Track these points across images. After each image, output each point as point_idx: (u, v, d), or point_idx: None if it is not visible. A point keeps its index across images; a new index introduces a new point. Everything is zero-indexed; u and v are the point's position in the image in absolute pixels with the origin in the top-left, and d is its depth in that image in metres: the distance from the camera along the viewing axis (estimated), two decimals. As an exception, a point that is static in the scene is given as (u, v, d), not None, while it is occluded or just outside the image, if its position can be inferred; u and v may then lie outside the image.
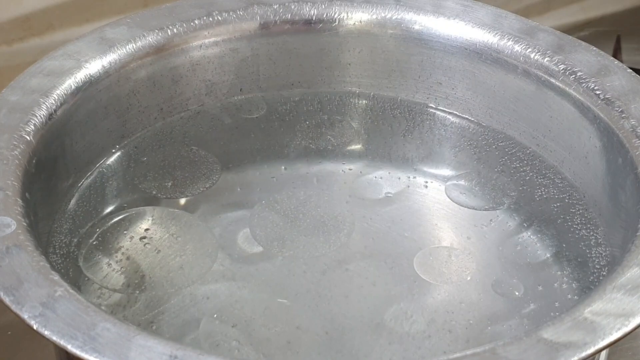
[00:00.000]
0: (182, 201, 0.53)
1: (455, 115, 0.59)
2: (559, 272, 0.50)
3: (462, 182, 0.55)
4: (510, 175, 0.55)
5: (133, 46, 0.54)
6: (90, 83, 0.52)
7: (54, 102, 0.50)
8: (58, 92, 0.51)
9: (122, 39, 0.54)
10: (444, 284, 0.49)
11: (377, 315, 0.47)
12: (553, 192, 0.54)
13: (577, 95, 0.53)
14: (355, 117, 0.60)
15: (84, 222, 0.51)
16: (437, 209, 0.54)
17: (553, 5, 0.85)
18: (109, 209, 0.52)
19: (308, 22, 0.59)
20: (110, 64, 0.53)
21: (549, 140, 0.55)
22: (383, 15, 0.59)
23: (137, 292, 0.47)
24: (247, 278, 0.49)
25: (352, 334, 0.46)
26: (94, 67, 0.53)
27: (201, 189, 0.54)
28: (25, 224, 0.43)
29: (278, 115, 0.59)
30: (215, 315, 0.47)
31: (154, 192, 0.53)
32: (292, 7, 0.59)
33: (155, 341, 0.37)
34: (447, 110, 0.59)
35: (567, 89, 0.53)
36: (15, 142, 0.47)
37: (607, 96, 0.51)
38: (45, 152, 0.49)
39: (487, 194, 0.54)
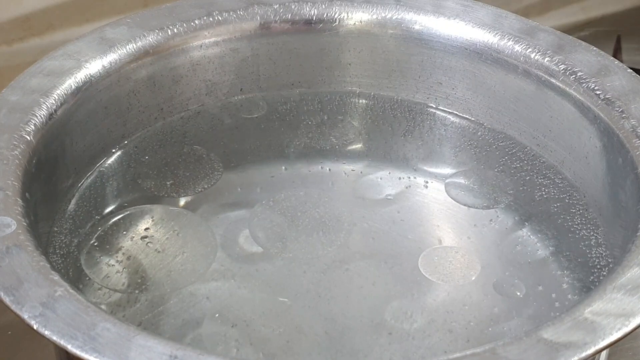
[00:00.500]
0: (182, 201, 0.53)
1: (456, 115, 0.59)
2: (559, 272, 0.50)
3: (462, 181, 0.55)
4: (511, 175, 0.55)
5: (133, 46, 0.54)
6: (91, 83, 0.52)
7: (54, 102, 0.50)
8: (58, 92, 0.51)
9: (122, 39, 0.54)
10: (448, 284, 0.49)
11: (377, 315, 0.47)
12: (553, 192, 0.54)
13: (578, 95, 0.53)
14: (356, 117, 0.60)
15: (84, 222, 0.51)
16: (438, 209, 0.54)
17: (553, 5, 0.85)
18: (109, 208, 0.52)
19: (308, 22, 0.59)
20: (111, 64, 0.53)
21: (549, 140, 0.55)
22: (383, 15, 0.59)
23: (137, 291, 0.47)
24: (247, 278, 0.49)
25: (352, 334, 0.46)
26: (94, 67, 0.53)
27: (202, 189, 0.54)
28: (25, 224, 0.43)
29: (278, 115, 0.59)
30: (215, 315, 0.47)
31: (155, 192, 0.53)
32: (292, 7, 0.59)
33: (155, 341, 0.37)
34: (447, 110, 0.59)
35: (567, 89, 0.53)
36: (15, 142, 0.47)
37: (607, 96, 0.51)
38: (46, 152, 0.49)
39: (486, 193, 0.54)
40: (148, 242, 0.50)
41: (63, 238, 0.49)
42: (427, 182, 0.55)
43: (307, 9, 0.59)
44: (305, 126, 0.59)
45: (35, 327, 0.38)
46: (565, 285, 0.49)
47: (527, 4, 0.84)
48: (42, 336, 0.37)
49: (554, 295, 0.48)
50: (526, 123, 0.56)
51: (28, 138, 0.47)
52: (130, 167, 0.55)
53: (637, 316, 0.39)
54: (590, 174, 0.53)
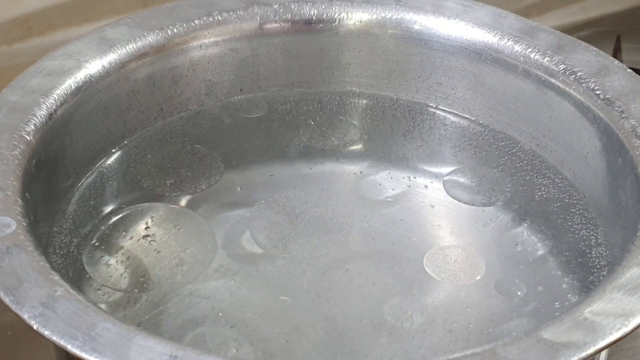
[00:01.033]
0: (183, 200, 0.53)
1: (455, 115, 0.59)
2: (559, 272, 0.50)
3: (460, 179, 0.55)
4: (510, 175, 0.55)
5: (133, 46, 0.54)
6: (91, 83, 0.52)
7: (54, 102, 0.50)
8: (58, 92, 0.51)
9: (122, 39, 0.54)
10: (453, 284, 0.49)
11: (377, 315, 0.47)
12: (553, 192, 0.54)
13: (577, 95, 0.53)
14: (356, 117, 0.60)
15: (84, 222, 0.51)
16: (438, 209, 0.54)
17: (553, 5, 0.85)
18: (110, 208, 0.52)
19: (308, 22, 0.59)
20: (111, 64, 0.53)
21: (549, 140, 0.55)
22: (383, 15, 0.59)
23: (137, 290, 0.47)
24: (247, 278, 0.49)
25: (352, 334, 0.46)
26: (94, 67, 0.53)
27: (202, 188, 0.54)
28: (25, 224, 0.43)
29: (278, 115, 0.59)
30: (215, 315, 0.47)
31: (155, 191, 0.53)
32: (292, 7, 0.59)
33: (155, 341, 0.37)
34: (447, 110, 0.59)
35: (567, 89, 0.53)
36: (15, 142, 0.47)
37: (607, 96, 0.51)
38: (45, 152, 0.49)
39: (486, 191, 0.54)
40: (150, 241, 0.50)
41: (63, 238, 0.49)
42: (427, 182, 0.55)
43: (307, 9, 0.59)
44: (305, 126, 0.59)
45: (35, 327, 0.38)
46: (565, 285, 0.49)
47: (527, 4, 0.84)
48: (42, 336, 0.37)
49: (553, 295, 0.48)
50: (526, 123, 0.56)
51: (28, 138, 0.47)
52: (130, 167, 0.55)
53: (637, 316, 0.39)
54: (590, 173, 0.53)
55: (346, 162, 0.56)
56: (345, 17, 0.59)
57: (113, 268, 0.49)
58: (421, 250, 0.51)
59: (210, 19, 0.57)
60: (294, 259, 0.50)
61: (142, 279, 0.48)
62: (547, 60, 0.54)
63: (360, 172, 0.56)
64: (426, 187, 0.55)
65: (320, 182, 0.55)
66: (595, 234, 0.51)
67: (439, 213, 0.54)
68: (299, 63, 0.60)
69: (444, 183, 0.55)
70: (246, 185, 0.55)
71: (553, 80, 0.54)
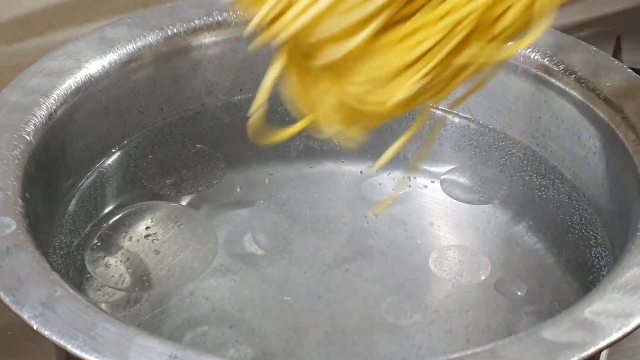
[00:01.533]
0: (183, 200, 0.53)
1: (455, 115, 0.59)
2: (559, 272, 0.50)
3: (458, 178, 0.55)
4: (510, 175, 0.55)
5: (133, 46, 0.54)
6: (91, 83, 0.52)
7: (54, 102, 0.50)
8: (58, 92, 0.50)
9: (122, 39, 0.54)
10: (457, 283, 0.49)
11: (377, 315, 0.47)
12: (553, 192, 0.54)
13: (577, 95, 0.53)
14: (356, 117, 0.60)
15: (84, 222, 0.51)
16: (438, 209, 0.54)
17: (553, 5, 0.85)
18: (110, 208, 0.52)
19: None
20: (111, 64, 0.53)
21: (548, 140, 0.55)
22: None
23: (138, 290, 0.48)
24: (247, 278, 0.49)
25: (352, 334, 0.46)
26: (94, 67, 0.53)
27: (202, 188, 0.54)
28: (25, 224, 0.43)
29: (278, 115, 0.59)
30: (215, 315, 0.47)
31: (155, 191, 0.53)
32: (292, 7, 0.59)
33: (155, 341, 0.37)
34: (447, 110, 0.59)
35: (567, 89, 0.53)
36: (15, 142, 0.47)
37: (607, 96, 0.51)
38: (46, 152, 0.49)
39: (485, 190, 0.54)
40: (150, 241, 0.50)
41: (63, 238, 0.49)
42: (426, 182, 0.55)
43: (307, 9, 0.59)
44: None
45: (35, 327, 0.38)
46: (565, 285, 0.49)
47: (527, 4, 0.84)
48: (42, 336, 0.37)
49: (554, 295, 0.48)
50: (526, 123, 0.56)
51: (28, 138, 0.47)
52: (130, 167, 0.55)
53: (637, 316, 0.39)
54: (590, 174, 0.52)
55: (346, 162, 0.56)
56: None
57: (113, 268, 0.49)
58: (421, 250, 0.51)
59: (210, 19, 0.57)
60: (294, 259, 0.50)
61: (142, 279, 0.48)
62: (547, 60, 0.54)
63: (361, 172, 0.56)
64: (426, 187, 0.55)
65: (320, 182, 0.55)
66: (594, 234, 0.51)
67: (439, 213, 0.53)
68: (299, 63, 0.60)
69: (442, 182, 0.55)
70: (246, 185, 0.55)
71: (553, 80, 0.54)
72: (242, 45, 0.58)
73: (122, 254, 0.49)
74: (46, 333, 0.37)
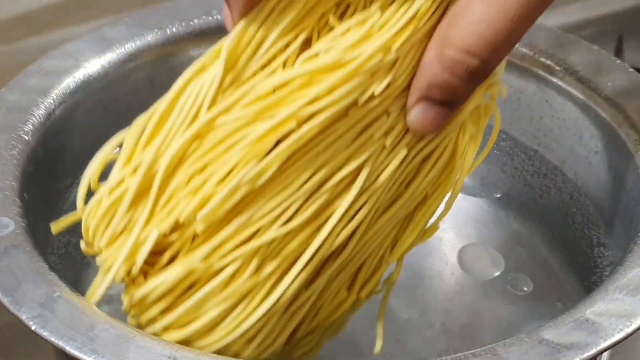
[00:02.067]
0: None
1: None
2: (560, 272, 0.50)
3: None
4: (511, 175, 0.55)
5: (132, 45, 0.54)
6: (89, 82, 0.52)
7: (52, 101, 0.50)
8: (57, 91, 0.50)
9: (121, 38, 0.54)
10: (477, 280, 0.49)
11: (376, 312, 0.47)
12: (555, 191, 0.54)
13: (579, 95, 0.52)
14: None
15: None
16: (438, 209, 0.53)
17: (554, 4, 0.85)
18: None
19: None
20: (109, 64, 0.53)
21: (550, 140, 0.55)
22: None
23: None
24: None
25: (351, 332, 0.46)
26: (92, 66, 0.53)
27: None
28: (23, 224, 0.43)
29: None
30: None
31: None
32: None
33: (154, 342, 0.37)
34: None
35: (568, 88, 0.53)
36: (13, 142, 0.47)
37: (608, 96, 0.51)
38: (44, 152, 0.49)
39: (486, 190, 0.54)
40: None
41: (61, 238, 0.49)
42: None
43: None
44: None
45: (33, 328, 0.37)
46: (566, 285, 0.49)
47: (527, 4, 0.84)
48: (41, 337, 0.37)
49: (555, 295, 0.48)
50: (527, 123, 0.56)
51: (26, 138, 0.47)
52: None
53: (639, 317, 0.39)
54: (592, 173, 0.52)
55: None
56: (346, 16, 0.59)
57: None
58: (421, 250, 0.50)
59: (210, 18, 0.57)
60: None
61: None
62: (548, 60, 0.54)
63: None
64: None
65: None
66: (597, 234, 0.51)
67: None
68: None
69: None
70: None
71: (554, 80, 0.54)
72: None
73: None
74: (45, 334, 0.37)
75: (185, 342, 0.38)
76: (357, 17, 0.37)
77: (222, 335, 0.38)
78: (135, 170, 0.38)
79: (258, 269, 0.37)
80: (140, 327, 0.39)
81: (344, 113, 0.37)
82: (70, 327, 0.37)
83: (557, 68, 0.54)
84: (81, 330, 0.37)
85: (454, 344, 0.46)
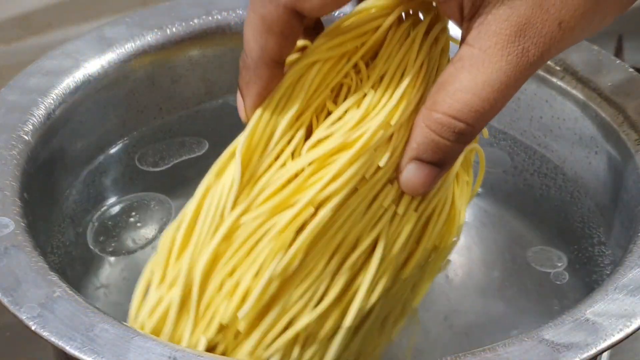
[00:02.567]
0: (183, 200, 0.53)
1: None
2: (560, 272, 0.50)
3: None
4: (511, 175, 0.55)
5: (132, 45, 0.54)
6: (89, 82, 0.52)
7: (52, 101, 0.50)
8: (57, 91, 0.50)
9: (121, 38, 0.54)
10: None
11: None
12: (555, 191, 0.54)
13: (579, 95, 0.52)
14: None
15: (83, 222, 0.51)
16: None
17: (554, 5, 0.85)
18: (109, 208, 0.52)
19: (308, 21, 0.59)
20: (109, 63, 0.53)
21: (550, 139, 0.55)
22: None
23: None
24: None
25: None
26: (92, 66, 0.53)
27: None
28: (23, 224, 0.43)
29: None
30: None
31: (154, 190, 0.53)
32: (292, 6, 0.58)
33: (154, 342, 0.37)
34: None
35: (568, 88, 0.53)
36: (13, 142, 0.47)
37: (608, 95, 0.51)
38: (44, 152, 0.49)
39: (486, 190, 0.54)
40: (150, 240, 0.50)
41: (61, 238, 0.49)
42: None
43: (307, 8, 0.59)
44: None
45: (33, 328, 0.37)
46: (566, 285, 0.49)
47: (527, 3, 0.84)
48: (41, 337, 0.37)
49: (555, 295, 0.48)
50: (527, 123, 0.56)
51: (26, 138, 0.47)
52: (129, 167, 0.54)
53: (639, 317, 0.39)
54: (592, 173, 0.52)
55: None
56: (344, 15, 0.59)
57: (113, 267, 0.49)
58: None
59: (210, 18, 0.57)
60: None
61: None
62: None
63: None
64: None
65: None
66: (597, 234, 0.51)
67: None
68: (298, 62, 0.60)
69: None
70: (246, 185, 0.55)
71: (554, 80, 0.54)
72: (241, 44, 0.58)
73: (123, 253, 0.49)
74: (44, 334, 0.37)
75: None
76: (351, 99, 0.40)
77: None
78: (171, 285, 0.39)
79: (300, 357, 0.39)
80: None
81: (354, 189, 0.39)
82: (70, 327, 0.37)
83: (557, 68, 0.54)
84: (81, 330, 0.37)
85: (454, 343, 0.46)
